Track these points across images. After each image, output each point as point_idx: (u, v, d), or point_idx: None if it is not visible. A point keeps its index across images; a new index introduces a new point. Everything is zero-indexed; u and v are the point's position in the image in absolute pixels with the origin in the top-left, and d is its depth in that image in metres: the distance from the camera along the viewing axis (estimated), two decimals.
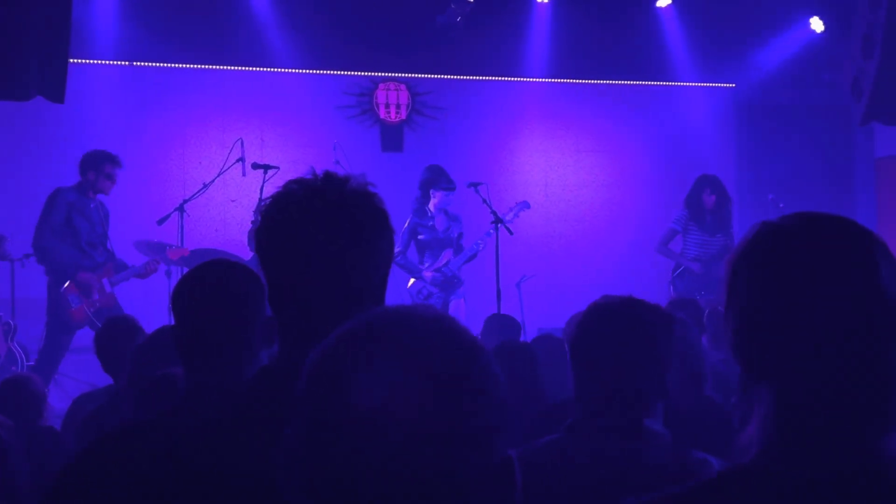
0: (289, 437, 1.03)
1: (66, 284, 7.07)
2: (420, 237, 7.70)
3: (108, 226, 7.38)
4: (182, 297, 2.12)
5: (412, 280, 7.75)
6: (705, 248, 8.18)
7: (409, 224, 7.71)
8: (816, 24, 9.74)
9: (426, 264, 7.72)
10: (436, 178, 7.67)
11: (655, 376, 2.14)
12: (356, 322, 1.05)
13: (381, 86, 10.01)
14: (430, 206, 7.67)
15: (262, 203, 1.61)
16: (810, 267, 1.24)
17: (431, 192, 7.64)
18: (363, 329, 1.03)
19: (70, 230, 7.10)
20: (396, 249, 7.65)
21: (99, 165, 7.18)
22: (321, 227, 1.52)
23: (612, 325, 2.18)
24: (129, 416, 3.02)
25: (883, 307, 1.22)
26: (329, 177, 1.56)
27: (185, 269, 7.52)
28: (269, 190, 7.47)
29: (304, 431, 1.00)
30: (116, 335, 4.05)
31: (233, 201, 9.12)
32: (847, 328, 1.22)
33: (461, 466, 0.98)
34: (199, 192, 8.02)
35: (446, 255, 7.67)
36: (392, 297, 6.19)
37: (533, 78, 10.21)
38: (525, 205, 7.84)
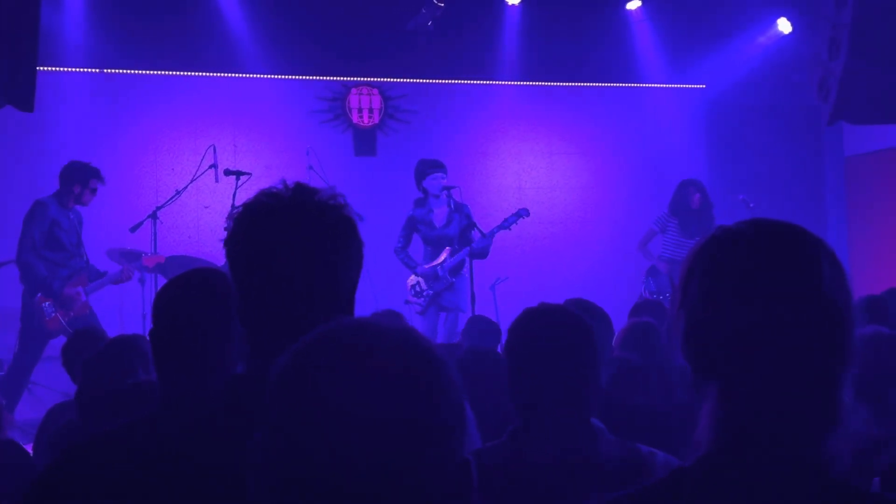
0: (258, 438, 1.06)
1: (38, 295, 7.07)
2: (420, 233, 7.73)
3: (81, 232, 7.38)
4: (164, 303, 2.11)
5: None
6: (681, 248, 8.41)
7: (407, 217, 7.74)
8: (784, 26, 9.84)
9: (427, 261, 7.72)
10: (422, 169, 7.70)
11: (596, 379, 2.21)
12: (321, 329, 1.09)
13: (353, 90, 10.01)
14: (430, 198, 7.67)
15: (234, 212, 1.63)
16: (757, 271, 1.28)
17: (424, 184, 7.66)
18: (327, 335, 1.08)
19: (52, 244, 7.11)
20: (397, 245, 7.70)
21: (86, 179, 7.26)
22: (290, 237, 1.55)
23: (557, 329, 2.27)
24: (77, 425, 3.00)
25: (824, 312, 1.27)
26: (299, 187, 1.60)
27: (160, 277, 7.52)
28: (242, 196, 7.47)
29: (272, 432, 1.04)
30: (83, 347, 4.04)
31: (206, 208, 9.10)
32: (789, 331, 1.26)
33: (419, 463, 1.02)
34: (171, 198, 8.00)
35: (444, 252, 7.66)
36: (388, 295, 6.10)
37: (505, 81, 10.25)
38: (524, 212, 7.82)
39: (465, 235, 7.61)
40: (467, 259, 7.56)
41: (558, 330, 2.26)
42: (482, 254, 7.61)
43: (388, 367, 1.03)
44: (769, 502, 1.24)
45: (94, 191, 7.31)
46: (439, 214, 7.69)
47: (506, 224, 7.71)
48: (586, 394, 2.20)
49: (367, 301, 8.04)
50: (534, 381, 2.22)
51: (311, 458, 1.00)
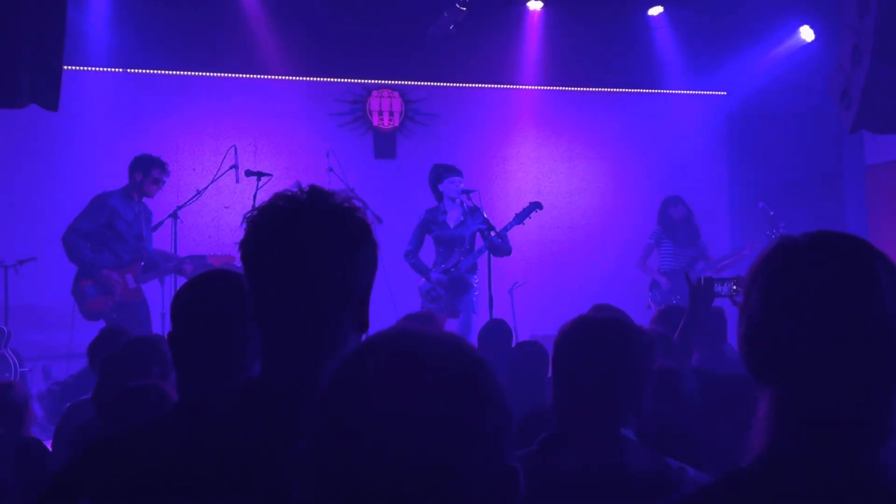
0: (306, 441, 1.07)
1: (82, 278, 7.21)
2: (433, 233, 7.69)
3: (149, 227, 7.47)
4: (182, 304, 2.12)
5: (424, 280, 7.73)
6: (677, 258, 8.80)
7: (420, 220, 7.72)
8: (807, 34, 9.79)
9: (439, 262, 7.68)
10: (439, 173, 7.69)
11: (632, 391, 2.19)
12: (375, 337, 1.11)
13: (374, 93, 10.05)
14: (446, 201, 7.65)
15: (249, 214, 1.64)
16: (812, 285, 1.32)
17: (440, 187, 7.66)
18: (381, 343, 1.09)
19: (110, 233, 7.24)
20: (408, 248, 7.67)
21: (147, 169, 7.41)
22: (303, 241, 1.56)
23: (596, 338, 2.23)
24: (97, 424, 3.02)
25: (881, 326, 1.30)
26: (314, 190, 1.60)
27: (179, 277, 7.56)
28: (263, 197, 7.49)
29: (322, 436, 1.05)
30: (103, 345, 4.08)
31: (226, 208, 9.14)
32: (844, 343, 1.29)
33: (468, 470, 1.03)
34: (192, 198, 8.05)
35: (456, 255, 7.64)
36: (406, 297, 6.10)
37: (525, 85, 10.26)
38: (537, 205, 7.70)
39: (484, 237, 7.59)
40: (482, 260, 7.54)
41: (596, 338, 2.23)
42: (501, 250, 7.50)
43: (439, 375, 1.04)
44: None
45: (156, 181, 7.45)
46: (453, 216, 7.67)
47: (518, 219, 7.58)
48: (617, 403, 2.18)
49: (385, 302, 8.08)
50: (570, 385, 2.22)
51: (358, 460, 1.01)
